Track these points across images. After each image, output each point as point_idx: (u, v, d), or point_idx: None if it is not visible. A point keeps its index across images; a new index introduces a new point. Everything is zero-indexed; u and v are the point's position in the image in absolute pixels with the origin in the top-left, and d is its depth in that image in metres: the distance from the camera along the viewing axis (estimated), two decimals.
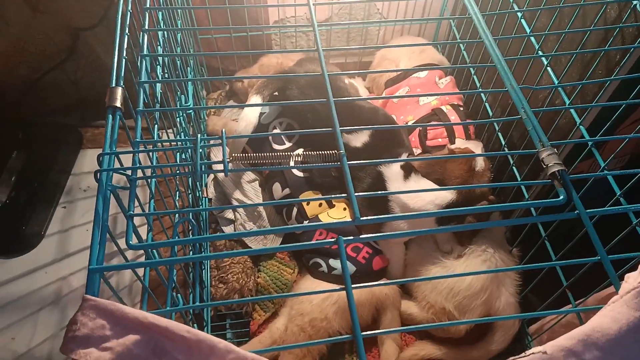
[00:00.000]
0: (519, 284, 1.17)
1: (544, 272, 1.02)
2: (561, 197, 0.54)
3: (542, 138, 0.61)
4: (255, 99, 1.23)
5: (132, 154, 0.62)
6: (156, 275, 0.69)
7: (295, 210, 1.22)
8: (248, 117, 1.21)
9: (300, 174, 1.23)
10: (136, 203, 0.67)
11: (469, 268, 1.14)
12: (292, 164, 1.16)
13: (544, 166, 0.58)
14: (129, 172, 0.58)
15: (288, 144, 1.26)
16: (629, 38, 0.88)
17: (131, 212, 0.53)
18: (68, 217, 1.42)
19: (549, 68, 1.00)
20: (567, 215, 0.54)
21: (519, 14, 1.03)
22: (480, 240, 1.17)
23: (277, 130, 1.28)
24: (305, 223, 1.19)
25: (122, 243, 0.57)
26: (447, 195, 1.09)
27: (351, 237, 0.53)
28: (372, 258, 1.16)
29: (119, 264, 0.49)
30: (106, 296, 0.48)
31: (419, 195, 1.10)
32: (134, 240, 0.54)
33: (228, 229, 1.27)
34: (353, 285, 0.49)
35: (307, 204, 1.20)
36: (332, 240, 0.52)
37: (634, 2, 0.83)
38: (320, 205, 1.20)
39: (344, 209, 1.20)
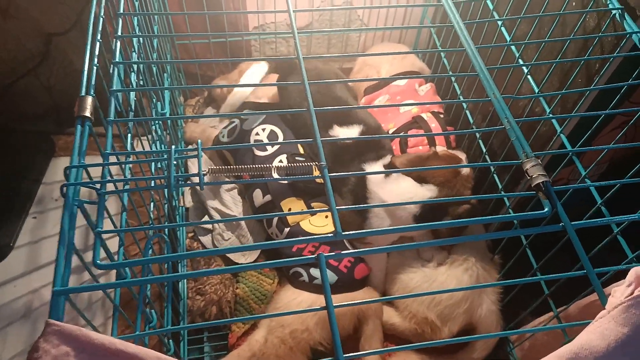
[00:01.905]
0: (500, 291, 1.16)
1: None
2: (546, 210, 0.54)
3: (526, 149, 0.60)
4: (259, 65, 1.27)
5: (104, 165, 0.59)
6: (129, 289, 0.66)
7: (276, 218, 1.19)
8: (252, 77, 1.22)
9: (277, 175, 1.20)
10: (108, 215, 0.63)
11: (450, 277, 1.13)
12: (274, 172, 1.15)
13: (528, 177, 0.57)
14: (98, 185, 0.55)
15: (271, 150, 1.24)
16: (608, 47, 0.88)
17: (99, 229, 0.50)
18: (39, 228, 1.37)
19: (529, 76, 0.99)
20: (551, 227, 0.53)
21: (499, 22, 1.02)
22: (461, 248, 1.16)
23: (259, 137, 1.26)
24: (286, 230, 1.17)
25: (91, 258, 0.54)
26: (425, 193, 1.10)
27: (333, 254, 0.51)
28: (354, 266, 1.14)
29: (86, 285, 0.46)
30: (73, 314, 0.45)
31: (396, 194, 1.10)
32: (103, 258, 0.51)
33: (206, 239, 1.24)
34: (335, 304, 0.47)
35: (289, 210, 1.18)
36: (312, 256, 0.50)
37: (613, 12, 0.83)
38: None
39: (326, 216, 1.18)
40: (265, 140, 1.26)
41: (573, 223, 0.53)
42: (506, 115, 0.63)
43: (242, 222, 1.25)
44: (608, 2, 0.84)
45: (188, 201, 1.31)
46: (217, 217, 1.26)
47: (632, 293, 0.45)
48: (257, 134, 1.27)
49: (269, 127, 1.28)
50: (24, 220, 1.38)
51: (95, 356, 0.41)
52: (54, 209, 1.40)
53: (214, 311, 1.15)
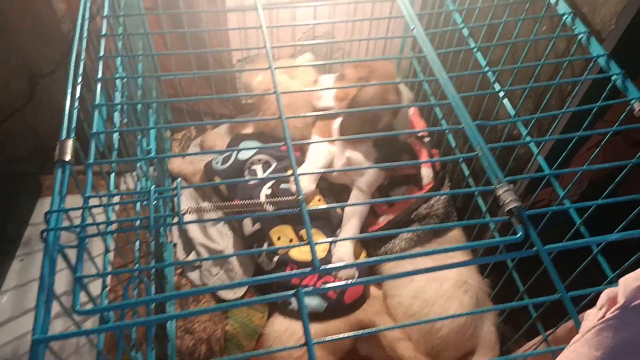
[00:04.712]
0: (497, 313, 1.16)
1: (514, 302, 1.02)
2: (519, 234, 0.54)
3: (498, 174, 0.61)
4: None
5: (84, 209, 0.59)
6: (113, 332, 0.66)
7: (265, 246, 1.19)
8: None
9: (270, 208, 1.20)
10: (96, 253, 0.63)
11: (450, 299, 1.12)
12: (265, 205, 1.16)
13: (501, 203, 0.58)
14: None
15: (260, 178, 1.25)
16: (578, 69, 0.91)
17: (78, 275, 0.50)
18: (25, 271, 1.35)
19: (505, 100, 1.02)
20: (525, 252, 0.54)
21: (475, 50, 1.05)
22: (463, 270, 1.15)
23: (255, 167, 1.28)
24: (275, 259, 1.17)
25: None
26: None
27: (311, 289, 0.52)
28: (344, 290, 1.13)
29: (66, 333, 0.46)
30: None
31: None
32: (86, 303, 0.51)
33: (194, 275, 1.23)
34: (314, 341, 0.47)
35: (278, 239, 1.17)
36: (291, 293, 0.50)
37: (580, 36, 0.86)
38: (290, 240, 1.17)
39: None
40: (260, 170, 1.27)
41: (546, 247, 0.54)
42: (478, 142, 0.64)
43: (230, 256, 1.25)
44: (574, 27, 0.87)
45: (175, 236, 1.31)
46: (203, 252, 1.25)
47: (603, 316, 0.46)
48: (252, 163, 1.28)
49: (264, 158, 1.29)
50: (10, 263, 1.36)
51: None
52: (41, 250, 1.38)
53: (203, 350, 1.13)
